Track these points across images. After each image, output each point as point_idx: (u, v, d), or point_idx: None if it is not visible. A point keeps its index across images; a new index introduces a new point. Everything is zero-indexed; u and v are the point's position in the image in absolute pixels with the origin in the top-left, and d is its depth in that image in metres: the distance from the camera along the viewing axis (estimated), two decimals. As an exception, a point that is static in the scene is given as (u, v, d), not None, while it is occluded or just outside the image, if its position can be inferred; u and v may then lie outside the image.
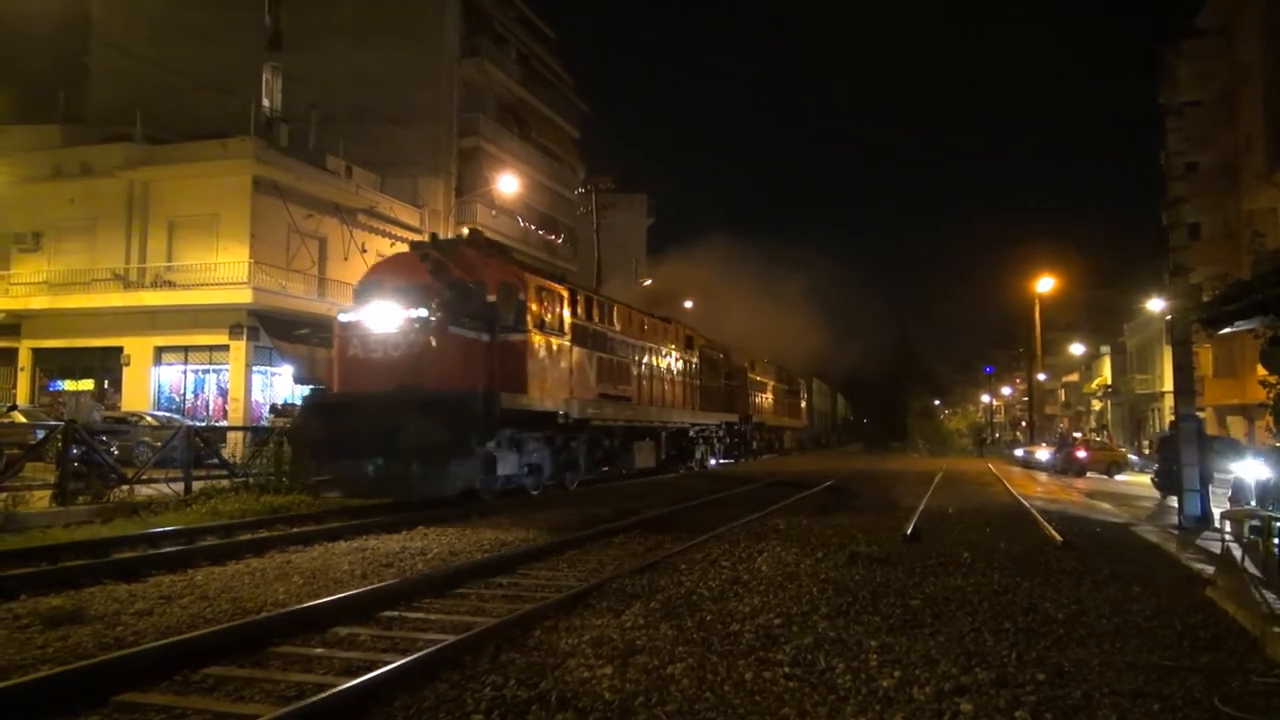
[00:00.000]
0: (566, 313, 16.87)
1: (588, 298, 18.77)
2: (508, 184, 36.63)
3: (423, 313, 13.48)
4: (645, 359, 21.55)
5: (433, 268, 14.70)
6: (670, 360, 23.58)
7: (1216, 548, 11.35)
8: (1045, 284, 47.76)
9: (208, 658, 5.36)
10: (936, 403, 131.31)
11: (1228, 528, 12.58)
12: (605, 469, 20.13)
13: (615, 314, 20.11)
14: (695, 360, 26.04)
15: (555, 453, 16.63)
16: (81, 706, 4.57)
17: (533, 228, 42.61)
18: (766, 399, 39.51)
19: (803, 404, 52.37)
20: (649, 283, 46.89)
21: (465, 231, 17.29)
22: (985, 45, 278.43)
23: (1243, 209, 37.57)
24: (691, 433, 25.70)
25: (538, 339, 15.45)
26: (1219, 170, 39.05)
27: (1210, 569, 9.41)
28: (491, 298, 14.79)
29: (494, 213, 38.44)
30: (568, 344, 16.74)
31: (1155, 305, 40.29)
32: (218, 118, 29.07)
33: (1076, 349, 66.35)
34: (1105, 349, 62.44)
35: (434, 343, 13.43)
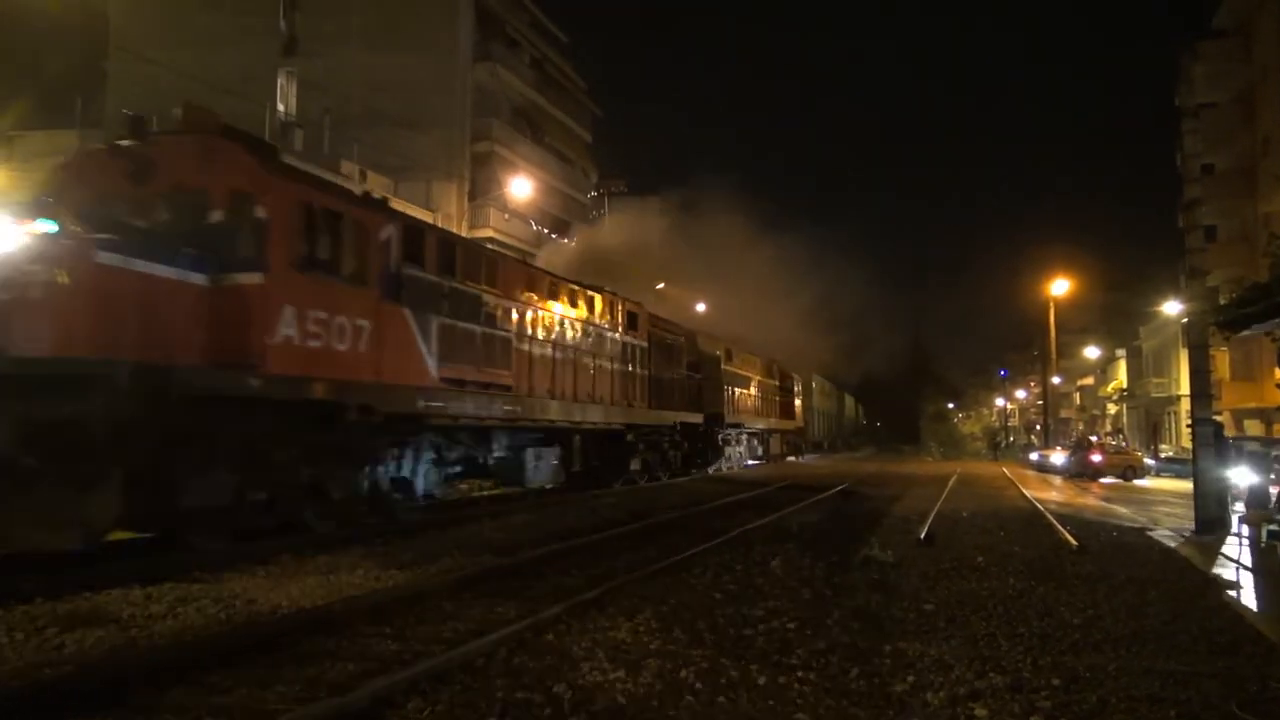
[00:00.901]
0: (390, 253, 11.21)
1: (442, 240, 12.96)
2: (520, 188, 36.74)
3: (48, 227, 8.21)
4: (546, 336, 15.54)
5: (131, 169, 9.70)
6: (596, 341, 17.74)
7: (1234, 552, 11.28)
8: (1060, 286, 47.54)
9: (224, 658, 5.40)
10: (950, 406, 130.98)
11: (1246, 532, 12.51)
12: (493, 486, 16.34)
13: (495, 270, 14.05)
14: (641, 344, 20.18)
15: (350, 466, 10.89)
16: (99, 706, 4.60)
17: (546, 231, 42.71)
18: (748, 396, 32.95)
19: (797, 403, 44.58)
20: (662, 286, 46.92)
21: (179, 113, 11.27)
22: (998, 45, 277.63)
23: (1260, 211, 37.27)
24: (630, 436, 19.61)
25: (299, 284, 9.63)
26: (1236, 172, 38.77)
27: (1228, 574, 9.34)
28: (218, 215, 9.45)
29: (506, 216, 38.56)
30: (376, 300, 10.84)
31: (1171, 308, 40.04)
32: (233, 122, 29.23)
33: (1091, 352, 66.03)
34: (1121, 352, 62.10)
35: (69, 279, 8.00)
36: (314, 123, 31.94)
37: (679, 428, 23.19)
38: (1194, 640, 6.29)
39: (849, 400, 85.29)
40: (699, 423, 25.07)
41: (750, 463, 32.98)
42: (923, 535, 11.57)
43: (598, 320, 17.98)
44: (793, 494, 19.18)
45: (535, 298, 15.40)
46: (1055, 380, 59.02)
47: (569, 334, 16.61)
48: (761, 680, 5.16)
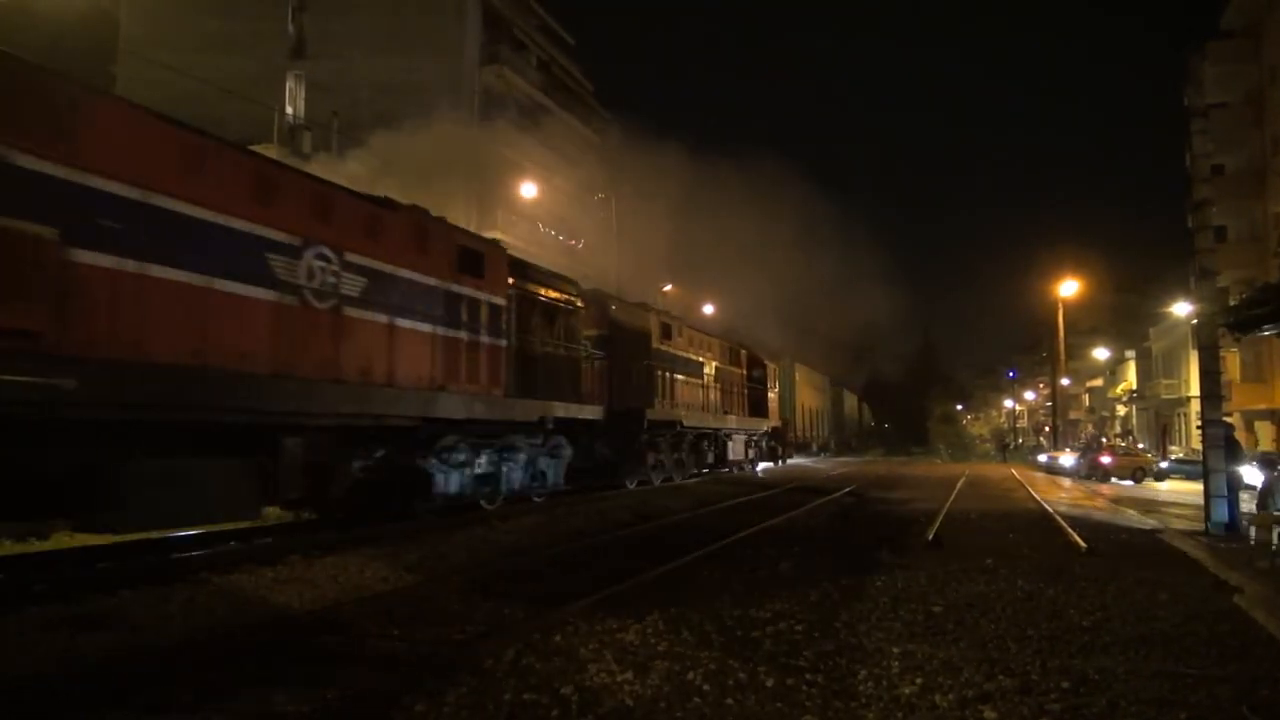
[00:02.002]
0: None
1: None
2: (527, 190, 36.83)
3: None
4: (203, 254, 8.70)
5: None
6: (372, 283, 10.95)
7: (1244, 554, 11.22)
8: (1069, 288, 47.45)
9: (233, 659, 5.42)
10: (959, 407, 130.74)
11: (1254, 533, 12.45)
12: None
13: (59, 121, 7.38)
14: (493, 300, 13.57)
15: None
16: (109, 707, 4.62)
17: (553, 233, 42.77)
18: (697, 386, 24.75)
19: (771, 397, 34.57)
20: (669, 288, 46.91)
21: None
22: (1005, 46, 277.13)
23: (1270, 212, 37.16)
24: (450, 438, 12.68)
25: None
26: (1246, 173, 38.65)
27: (1238, 576, 9.29)
28: None
29: (513, 218, 38.64)
30: None
31: (1181, 309, 39.94)
32: (242, 125, 29.37)
33: (1101, 353, 65.86)
34: (1130, 353, 61.92)
35: None
36: (323, 125, 32.06)
37: (553, 425, 15.32)
38: (1204, 643, 6.26)
39: (849, 398, 79.15)
40: (596, 419, 17.26)
41: (692, 477, 24.10)
42: (931, 537, 11.54)
43: (377, 249, 11.06)
44: (800, 496, 19.18)
45: (182, 185, 8.49)
46: (1064, 382, 58.91)
47: (280, 260, 9.60)
48: (769, 682, 5.15)
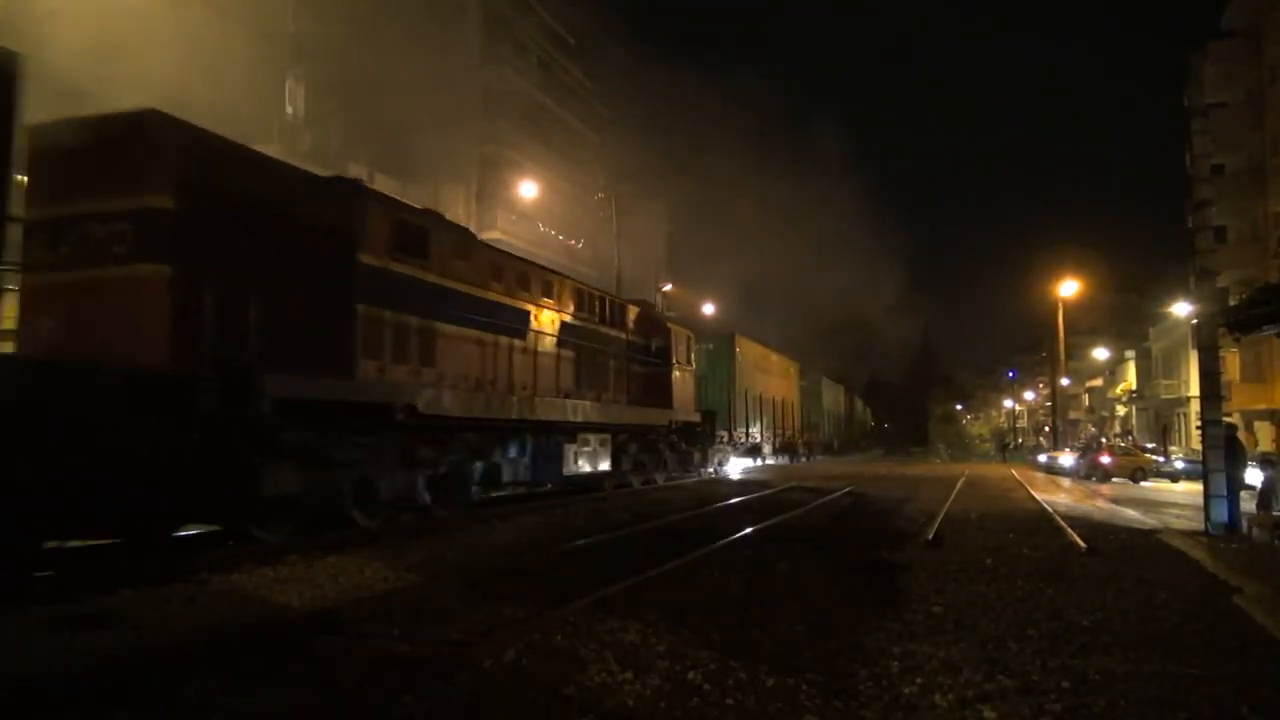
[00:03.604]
0: None
1: None
2: (528, 190, 36.82)
3: None
4: None
5: None
6: None
7: (1244, 554, 11.22)
8: (1068, 288, 47.50)
9: (234, 658, 5.41)
10: (958, 407, 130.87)
11: (1254, 533, 12.46)
12: None
13: None
14: None
15: None
16: (110, 706, 4.62)
17: (553, 233, 42.78)
18: (497, 348, 14.45)
19: (680, 377, 23.13)
20: (669, 288, 46.93)
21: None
22: (1005, 46, 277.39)
23: (1270, 211, 37.18)
24: None
25: None
26: (1246, 173, 38.67)
27: (1238, 576, 9.30)
28: None
29: (514, 218, 38.65)
30: None
31: (1181, 309, 39.97)
32: (242, 124, 29.34)
33: (1101, 353, 65.91)
34: (1130, 354, 61.97)
35: None
36: (323, 125, 32.05)
37: None
38: (1204, 643, 6.26)
39: (832, 390, 63.67)
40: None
41: (485, 498, 15.45)
42: (931, 537, 11.54)
43: None
44: (801, 495, 19.18)
45: None
46: (1064, 382, 58.95)
47: None
48: (770, 682, 5.15)
